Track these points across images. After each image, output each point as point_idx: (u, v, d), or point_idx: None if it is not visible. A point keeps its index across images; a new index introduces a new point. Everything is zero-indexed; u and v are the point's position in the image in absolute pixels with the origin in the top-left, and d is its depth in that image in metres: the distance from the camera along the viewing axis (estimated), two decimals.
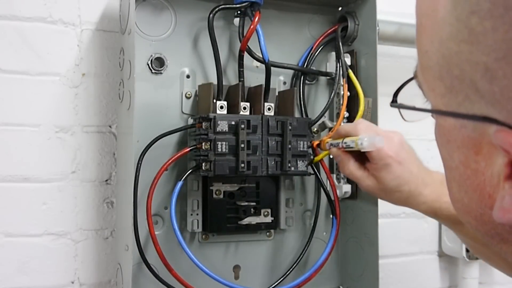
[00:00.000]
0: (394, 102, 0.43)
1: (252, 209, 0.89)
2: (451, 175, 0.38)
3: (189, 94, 0.88)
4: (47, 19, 0.87)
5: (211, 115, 0.80)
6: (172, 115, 0.87)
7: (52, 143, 0.87)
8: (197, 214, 0.87)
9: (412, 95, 0.42)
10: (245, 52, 0.85)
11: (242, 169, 0.81)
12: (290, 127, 0.84)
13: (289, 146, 0.84)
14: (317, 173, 0.91)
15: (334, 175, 0.95)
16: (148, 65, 0.86)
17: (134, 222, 0.78)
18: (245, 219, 0.88)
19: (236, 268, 0.92)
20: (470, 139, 0.35)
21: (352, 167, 0.78)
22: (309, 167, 0.88)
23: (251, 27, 0.83)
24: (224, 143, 0.80)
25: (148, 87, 0.86)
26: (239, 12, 0.86)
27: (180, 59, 0.88)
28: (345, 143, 0.77)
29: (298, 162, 0.85)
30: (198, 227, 0.87)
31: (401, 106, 0.43)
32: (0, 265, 0.83)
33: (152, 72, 0.86)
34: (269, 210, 0.90)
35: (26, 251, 0.85)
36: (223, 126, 0.80)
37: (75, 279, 0.87)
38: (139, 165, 0.79)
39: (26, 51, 0.86)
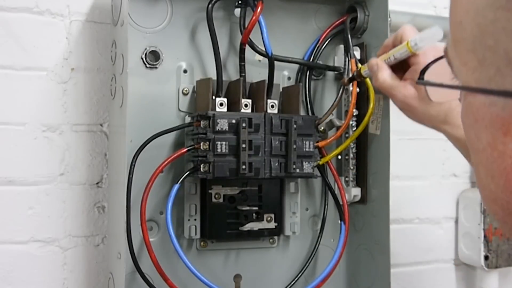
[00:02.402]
0: (420, 79, 0.45)
1: (254, 214, 0.89)
2: (478, 158, 0.39)
3: (186, 90, 0.88)
4: (34, 9, 0.88)
5: (210, 112, 0.81)
6: (168, 112, 0.87)
7: (39, 143, 0.88)
8: (195, 220, 0.87)
9: (438, 74, 0.43)
10: (247, 45, 0.85)
11: (243, 171, 0.81)
12: (295, 126, 0.84)
13: (294, 146, 0.84)
14: (324, 175, 0.91)
15: (343, 178, 0.95)
16: (142, 59, 0.86)
17: (127, 228, 0.78)
18: (247, 225, 0.88)
19: (237, 277, 0.92)
20: (499, 118, 0.36)
21: (386, 75, 0.76)
22: (315, 169, 0.87)
23: (253, 18, 0.83)
24: (224, 143, 0.81)
25: (142, 82, 0.86)
26: (240, 1, 0.87)
27: (176, 53, 0.88)
28: (393, 56, 0.74)
29: (304, 164, 0.85)
30: (196, 234, 0.87)
31: (428, 83, 0.44)
32: None
33: (146, 66, 0.87)
34: (273, 215, 0.90)
35: (11, 259, 0.87)
36: (223, 124, 0.81)
37: None
38: (133, 166, 0.80)
39: (11, 44, 0.87)
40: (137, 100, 0.85)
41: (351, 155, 0.94)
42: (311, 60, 0.94)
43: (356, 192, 0.94)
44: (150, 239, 0.81)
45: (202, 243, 0.89)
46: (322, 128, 0.95)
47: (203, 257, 0.89)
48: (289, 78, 0.95)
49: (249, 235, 0.89)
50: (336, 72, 0.96)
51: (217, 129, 0.80)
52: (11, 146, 0.87)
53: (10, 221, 0.87)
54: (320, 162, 0.89)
